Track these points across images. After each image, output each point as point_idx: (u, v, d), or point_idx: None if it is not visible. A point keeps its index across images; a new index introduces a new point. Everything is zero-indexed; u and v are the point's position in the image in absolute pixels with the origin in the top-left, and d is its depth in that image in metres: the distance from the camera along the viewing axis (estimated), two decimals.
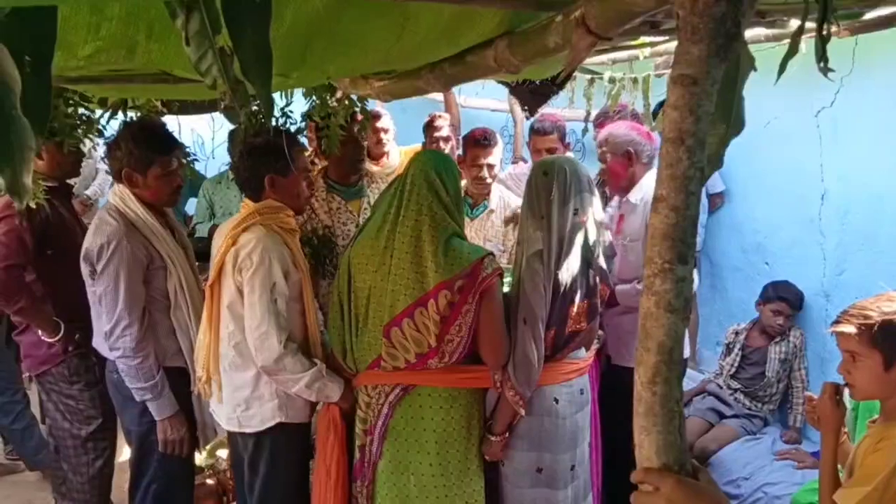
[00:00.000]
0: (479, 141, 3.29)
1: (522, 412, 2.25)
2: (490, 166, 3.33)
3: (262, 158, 2.40)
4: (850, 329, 1.84)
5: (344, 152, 3.10)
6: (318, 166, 4.53)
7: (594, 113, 3.39)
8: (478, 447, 2.32)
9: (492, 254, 2.23)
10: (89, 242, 2.55)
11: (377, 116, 3.99)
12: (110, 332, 2.49)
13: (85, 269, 2.58)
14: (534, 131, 3.59)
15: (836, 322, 1.89)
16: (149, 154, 2.53)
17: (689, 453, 0.99)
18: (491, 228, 3.45)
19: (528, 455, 2.33)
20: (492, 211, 3.44)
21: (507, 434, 2.30)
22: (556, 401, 2.31)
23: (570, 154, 3.78)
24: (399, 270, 2.18)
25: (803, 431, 3.60)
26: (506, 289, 2.34)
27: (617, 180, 3.03)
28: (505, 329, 2.23)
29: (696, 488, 0.95)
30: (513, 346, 2.22)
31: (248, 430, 2.43)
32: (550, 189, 2.23)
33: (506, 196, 3.49)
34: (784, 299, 3.60)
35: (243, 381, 2.40)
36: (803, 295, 3.62)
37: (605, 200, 3.33)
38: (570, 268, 2.23)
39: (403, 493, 2.28)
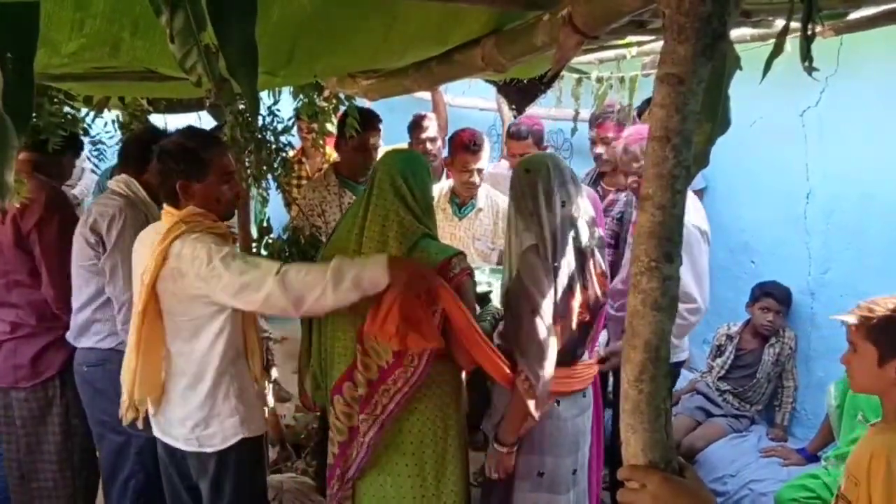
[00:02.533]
0: (468, 147, 3.29)
1: (536, 414, 2.16)
2: (479, 171, 3.34)
3: (172, 163, 2.16)
4: (852, 319, 1.87)
5: (355, 156, 3.27)
6: (306, 164, 4.53)
7: (584, 113, 3.39)
8: (456, 448, 2.27)
9: (461, 253, 2.19)
10: (97, 213, 2.56)
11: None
12: (124, 303, 2.50)
13: (89, 240, 2.57)
14: (509, 135, 3.59)
15: (850, 312, 1.91)
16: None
17: (676, 450, 1.00)
18: (479, 227, 3.45)
19: (528, 458, 2.29)
20: (480, 209, 3.45)
21: (515, 446, 2.23)
22: (558, 403, 2.29)
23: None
24: None
25: (789, 429, 3.63)
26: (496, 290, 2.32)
27: (640, 188, 3.03)
28: (477, 327, 2.18)
29: (682, 485, 0.95)
30: (527, 341, 2.14)
31: (209, 450, 2.28)
32: (535, 185, 2.21)
33: (493, 195, 3.50)
34: (769, 294, 3.62)
35: (199, 399, 2.25)
36: (790, 290, 3.64)
37: (601, 198, 3.34)
38: (567, 259, 2.20)
39: (380, 494, 2.26)
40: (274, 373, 3.48)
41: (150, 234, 2.23)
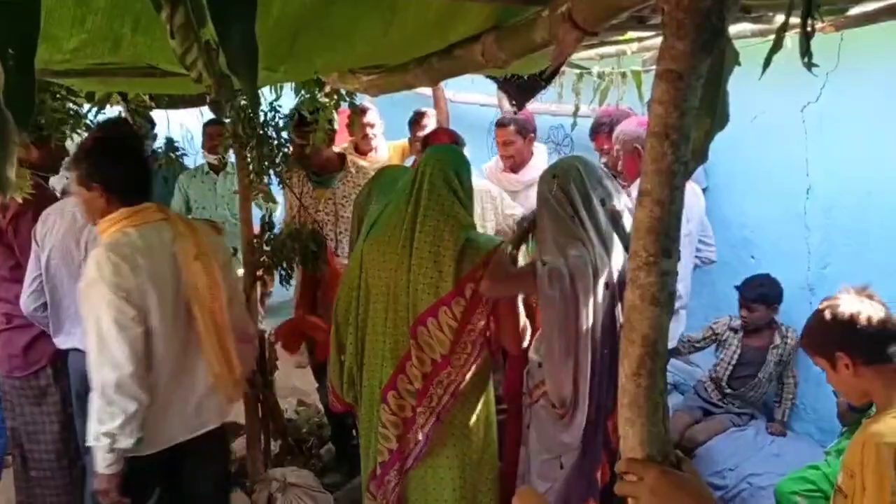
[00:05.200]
0: (498, 123, 3.45)
1: (562, 415, 2.16)
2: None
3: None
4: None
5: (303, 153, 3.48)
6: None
7: (585, 108, 3.39)
8: (493, 436, 2.35)
9: (504, 242, 2.27)
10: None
11: (364, 111, 4.00)
12: None
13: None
14: (495, 125, 3.78)
15: None
16: None
17: (677, 444, 1.00)
18: None
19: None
20: None
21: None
22: None
23: (539, 145, 3.94)
24: (421, 270, 2.18)
25: (788, 424, 3.63)
26: None
27: (630, 175, 3.11)
28: (520, 312, 2.28)
29: (680, 479, 0.96)
30: (553, 353, 2.13)
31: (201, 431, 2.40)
32: (568, 189, 2.17)
33: (475, 182, 3.57)
34: (748, 299, 3.62)
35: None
36: (779, 290, 3.62)
37: None
38: (616, 260, 2.14)
39: (421, 486, 2.30)
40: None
41: (157, 241, 2.24)
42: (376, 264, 2.27)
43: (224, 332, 2.30)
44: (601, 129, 3.59)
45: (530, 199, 3.68)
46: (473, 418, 2.29)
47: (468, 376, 2.21)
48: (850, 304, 1.87)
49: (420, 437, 2.24)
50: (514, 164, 3.79)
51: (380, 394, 2.28)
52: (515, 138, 3.71)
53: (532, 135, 3.76)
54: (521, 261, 3.02)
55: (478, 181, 3.58)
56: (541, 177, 2.31)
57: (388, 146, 4.61)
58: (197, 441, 2.37)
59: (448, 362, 2.19)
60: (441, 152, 2.37)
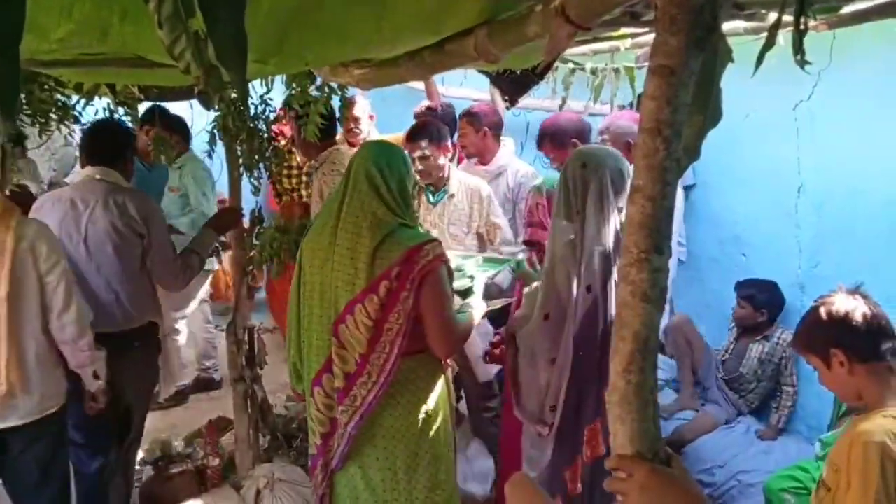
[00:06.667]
0: (408, 136, 3.42)
1: (539, 430, 2.17)
2: (423, 158, 3.39)
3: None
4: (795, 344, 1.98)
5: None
6: (297, 153, 4.53)
7: (574, 103, 3.38)
8: (431, 446, 2.27)
9: (434, 240, 2.18)
10: (134, 209, 2.83)
11: (350, 104, 4.00)
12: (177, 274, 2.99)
13: (118, 224, 2.81)
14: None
15: None
16: None
17: (664, 440, 1.00)
18: (454, 212, 3.53)
19: None
20: (452, 195, 3.53)
21: None
22: None
23: (506, 139, 4.04)
24: (341, 267, 2.15)
25: (787, 425, 3.60)
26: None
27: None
28: (451, 318, 2.20)
29: (669, 476, 0.96)
30: (526, 337, 2.15)
31: (50, 411, 2.50)
32: (588, 183, 2.12)
33: (466, 180, 3.59)
34: (738, 295, 3.66)
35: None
36: (774, 292, 3.64)
37: None
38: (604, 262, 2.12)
39: (351, 485, 2.26)
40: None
41: None
42: (308, 261, 2.26)
43: None
44: (544, 140, 3.61)
45: (500, 188, 3.75)
46: (404, 422, 2.23)
47: (392, 377, 2.14)
48: (845, 302, 1.88)
49: (344, 437, 2.20)
50: (469, 154, 3.98)
51: (311, 389, 2.28)
52: (467, 130, 3.87)
53: (486, 129, 3.83)
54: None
55: (470, 178, 3.61)
56: (570, 158, 2.27)
57: (380, 137, 4.59)
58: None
59: (367, 361, 2.14)
60: (368, 148, 2.31)
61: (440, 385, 2.32)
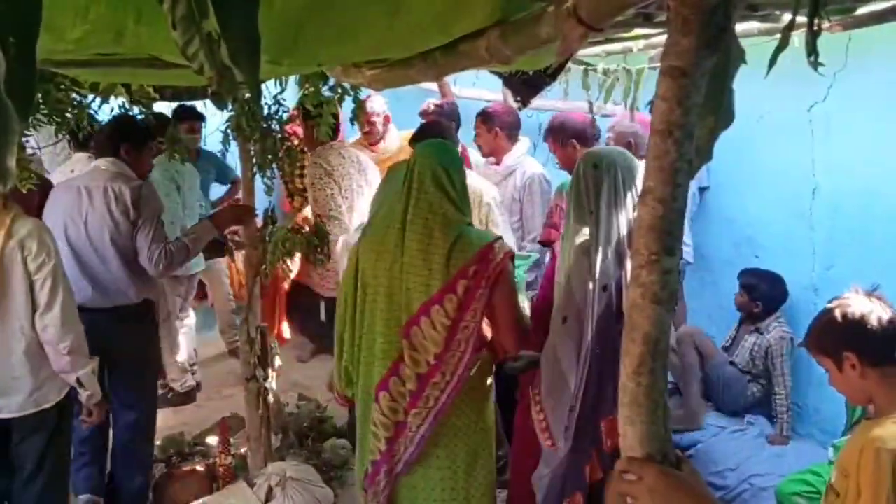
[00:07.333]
0: (414, 139, 3.39)
1: (550, 444, 2.16)
2: None
3: None
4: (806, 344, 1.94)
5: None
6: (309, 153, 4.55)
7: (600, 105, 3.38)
8: (487, 439, 2.32)
9: (501, 238, 2.23)
10: (128, 197, 2.96)
11: (363, 105, 4.01)
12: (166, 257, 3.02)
13: (113, 210, 2.96)
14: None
15: None
16: None
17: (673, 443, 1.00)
18: None
19: None
20: None
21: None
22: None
23: (522, 138, 4.02)
24: (412, 269, 2.16)
25: (793, 427, 3.59)
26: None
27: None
28: (520, 314, 2.26)
29: (679, 479, 0.95)
30: (543, 359, 2.15)
31: (47, 406, 2.56)
32: (600, 183, 2.14)
33: (468, 183, 3.56)
34: (744, 286, 3.68)
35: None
36: (779, 288, 3.62)
37: None
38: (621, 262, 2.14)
39: (410, 484, 2.28)
40: (277, 361, 3.49)
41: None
42: (371, 264, 2.26)
43: None
44: (548, 135, 3.65)
45: (509, 188, 3.73)
46: (466, 420, 2.26)
47: (466, 375, 2.18)
48: (860, 305, 1.86)
49: (414, 441, 2.21)
50: (484, 154, 4.03)
51: (373, 393, 2.27)
52: (481, 130, 3.93)
53: (497, 129, 3.86)
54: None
55: (474, 182, 3.56)
56: (581, 159, 2.28)
57: (399, 136, 4.59)
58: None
59: (442, 361, 2.16)
60: (429, 149, 2.33)
61: (489, 378, 2.36)
